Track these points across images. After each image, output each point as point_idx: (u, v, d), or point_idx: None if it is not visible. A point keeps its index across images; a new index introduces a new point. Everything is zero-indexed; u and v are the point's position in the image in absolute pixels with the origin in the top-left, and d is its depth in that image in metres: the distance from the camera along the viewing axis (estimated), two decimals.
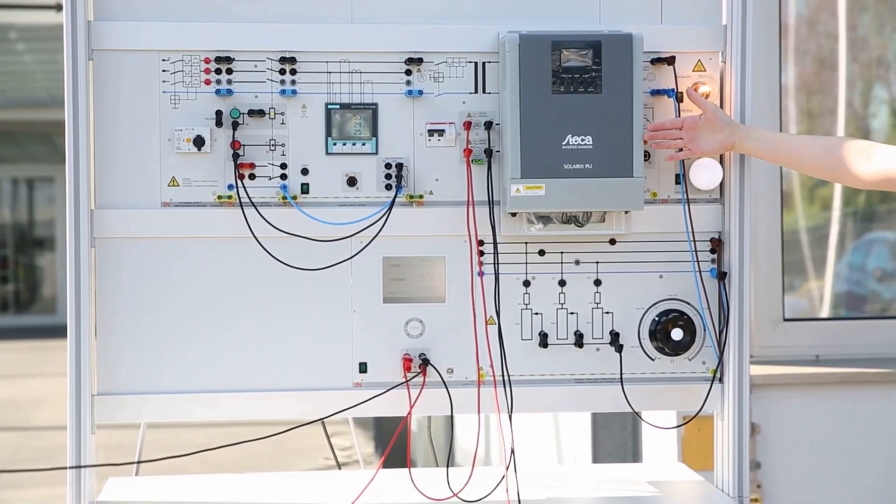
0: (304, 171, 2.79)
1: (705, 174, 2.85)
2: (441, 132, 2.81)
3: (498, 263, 2.81)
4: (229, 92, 2.76)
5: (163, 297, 2.77)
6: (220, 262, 2.78)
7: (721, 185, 2.87)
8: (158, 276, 2.77)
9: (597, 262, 2.86)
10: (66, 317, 2.71)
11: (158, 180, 2.76)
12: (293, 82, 2.78)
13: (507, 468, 2.72)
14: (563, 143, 2.73)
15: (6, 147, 18.76)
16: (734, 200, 2.85)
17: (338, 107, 2.79)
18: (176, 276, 2.77)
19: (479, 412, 2.82)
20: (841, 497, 4.09)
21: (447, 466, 2.86)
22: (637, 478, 3.15)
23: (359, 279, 2.81)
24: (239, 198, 2.76)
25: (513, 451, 2.71)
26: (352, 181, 2.80)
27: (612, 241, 2.86)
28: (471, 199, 2.80)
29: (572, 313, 2.86)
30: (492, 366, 2.81)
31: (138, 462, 3.02)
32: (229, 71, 2.76)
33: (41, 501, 6.77)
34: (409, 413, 2.82)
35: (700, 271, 2.88)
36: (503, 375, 2.80)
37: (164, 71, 2.75)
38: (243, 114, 2.76)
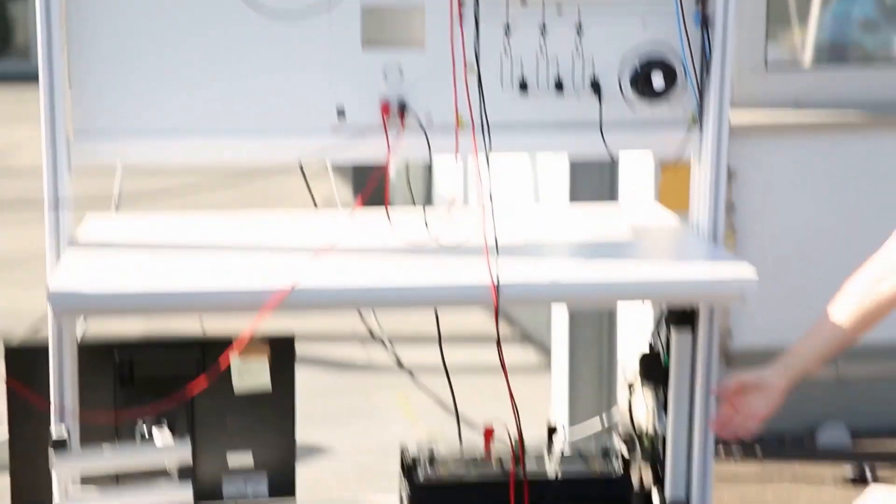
0: None
1: None
2: None
3: (478, 9, 2.77)
4: None
5: (140, 40, 2.73)
6: (198, 6, 2.73)
7: None
8: (135, 19, 2.72)
9: (578, 9, 2.82)
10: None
11: None
12: None
13: (485, 208, 2.74)
14: None
15: None
16: None
17: None
18: (154, 20, 2.73)
19: (456, 151, 2.82)
20: (813, 237, 4.16)
21: (424, 206, 2.88)
22: (613, 217, 3.19)
23: (337, 25, 2.77)
24: None
25: (490, 193, 2.73)
26: None
27: None
28: None
29: (553, 60, 2.83)
30: (470, 110, 2.80)
31: (117, 201, 3.04)
32: None
33: (21, 241, 6.84)
34: (388, 157, 2.82)
35: (684, 17, 2.83)
36: (482, 119, 2.78)
37: None
38: None
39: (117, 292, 2.60)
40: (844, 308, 2.64)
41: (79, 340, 2.88)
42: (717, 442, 2.94)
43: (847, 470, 3.86)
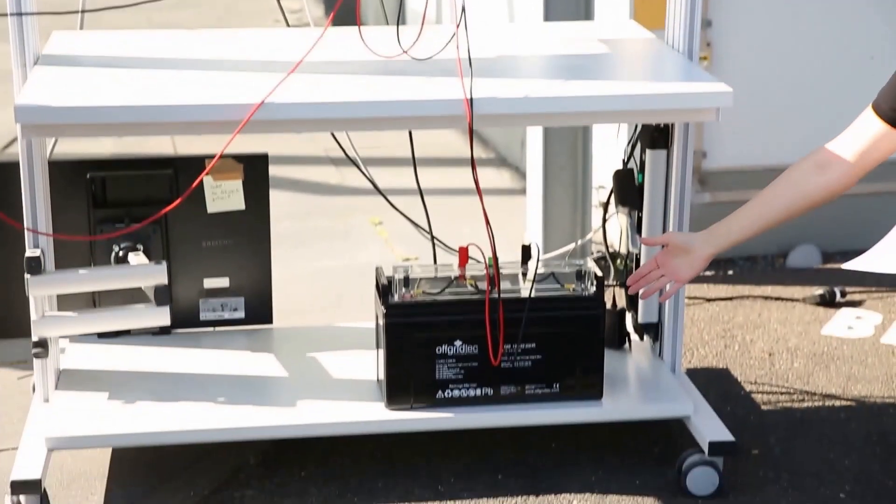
0: None
1: None
2: None
3: None
4: None
5: None
6: None
7: None
8: None
9: None
10: None
11: None
12: None
13: (458, 26, 2.70)
14: None
15: None
16: None
17: None
18: None
19: None
20: (790, 55, 4.12)
21: (398, 25, 2.84)
22: (589, 35, 3.15)
23: None
24: None
25: (463, 9, 2.68)
26: None
27: None
28: None
29: None
30: None
31: (82, 12, 2.98)
32: None
33: None
34: None
35: None
36: None
37: None
38: None
39: (86, 105, 2.56)
40: (783, 191, 2.66)
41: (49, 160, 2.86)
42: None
43: (817, 291, 3.91)
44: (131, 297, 2.89)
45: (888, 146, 2.55)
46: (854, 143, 2.57)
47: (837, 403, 3.33)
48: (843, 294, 3.91)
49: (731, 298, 3.94)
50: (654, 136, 3.02)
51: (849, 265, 2.55)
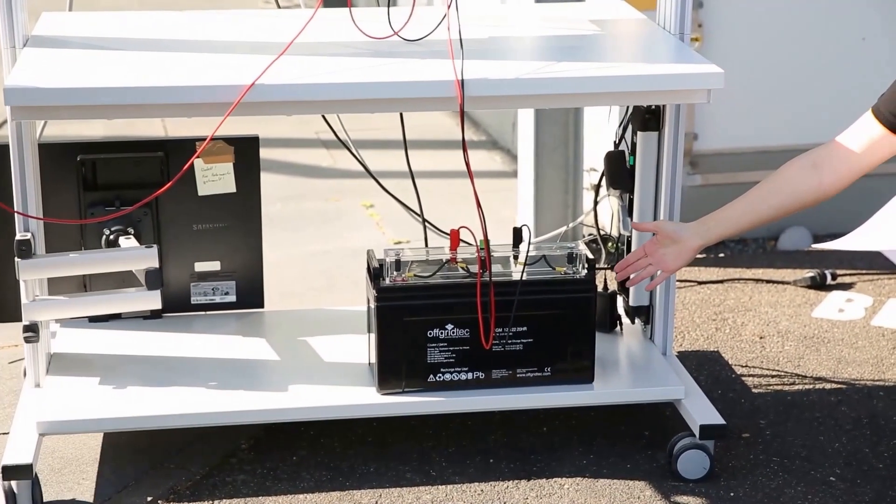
0: None
1: None
2: None
3: None
4: None
5: None
6: None
7: None
8: None
9: None
10: None
11: None
12: None
13: (449, 7, 2.69)
14: None
15: None
16: None
17: None
18: None
19: None
20: (781, 37, 4.12)
21: (388, 6, 2.83)
22: (580, 17, 3.14)
23: None
24: None
25: None
26: None
27: None
28: None
29: None
30: None
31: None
32: None
33: None
34: None
35: None
36: None
37: None
38: None
39: (75, 87, 2.54)
40: (777, 188, 2.66)
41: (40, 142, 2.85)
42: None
43: (808, 273, 3.91)
44: (122, 280, 2.88)
45: (885, 151, 2.55)
46: (851, 145, 2.57)
47: (828, 386, 3.33)
48: (834, 276, 3.92)
49: (721, 281, 3.94)
50: (646, 118, 3.01)
51: (818, 247, 2.56)
